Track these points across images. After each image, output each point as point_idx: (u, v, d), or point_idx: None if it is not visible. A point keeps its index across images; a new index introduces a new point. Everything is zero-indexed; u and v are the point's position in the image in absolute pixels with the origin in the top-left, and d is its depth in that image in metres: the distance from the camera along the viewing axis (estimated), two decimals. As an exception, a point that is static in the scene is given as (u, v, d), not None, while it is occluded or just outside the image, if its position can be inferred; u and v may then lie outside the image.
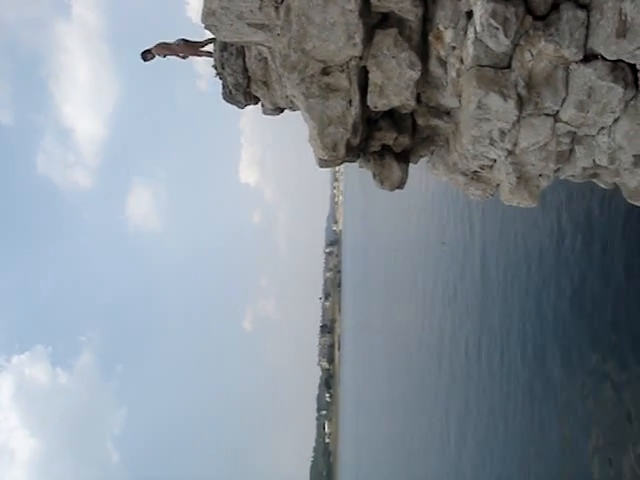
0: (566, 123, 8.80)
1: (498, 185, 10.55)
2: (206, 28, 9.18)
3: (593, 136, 9.01)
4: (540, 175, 9.79)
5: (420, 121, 10.33)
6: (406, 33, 8.88)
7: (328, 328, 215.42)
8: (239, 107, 11.40)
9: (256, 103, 11.24)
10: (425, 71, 9.21)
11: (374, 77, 9.16)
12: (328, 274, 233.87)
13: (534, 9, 7.99)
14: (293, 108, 10.78)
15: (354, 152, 10.10)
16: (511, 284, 22.31)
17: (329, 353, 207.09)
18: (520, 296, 21.08)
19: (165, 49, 11.94)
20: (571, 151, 9.43)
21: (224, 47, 10.44)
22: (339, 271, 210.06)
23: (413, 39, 8.94)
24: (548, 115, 8.78)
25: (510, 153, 9.46)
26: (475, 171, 10.61)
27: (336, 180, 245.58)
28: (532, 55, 8.16)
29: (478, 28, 7.97)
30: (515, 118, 8.67)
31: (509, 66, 8.43)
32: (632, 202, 10.02)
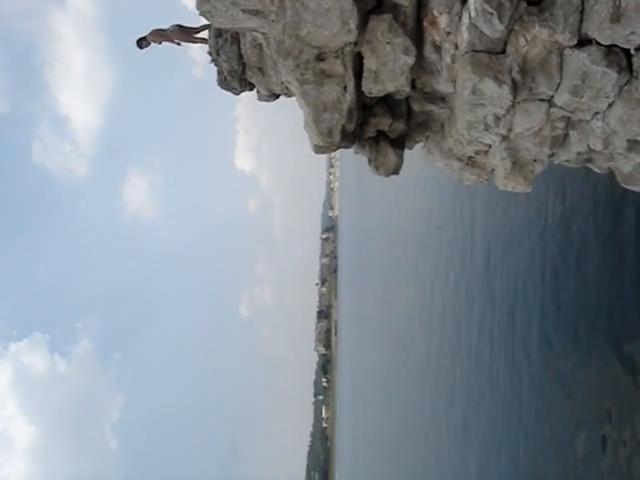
0: (560, 108, 8.84)
1: (493, 170, 10.61)
2: (201, 14, 9.15)
3: (587, 121, 9.05)
4: (535, 160, 9.85)
5: (415, 107, 10.35)
6: (401, 19, 8.88)
7: (325, 314, 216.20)
8: (234, 93, 11.39)
9: (251, 89, 11.24)
10: (420, 57, 9.22)
11: (369, 63, 9.17)
12: (324, 260, 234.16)
13: (528, -6, 8.00)
14: (288, 94, 10.78)
15: (349, 138, 10.12)
16: (512, 268, 22.31)
17: (326, 338, 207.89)
18: (523, 276, 21.03)
19: (160, 36, 11.94)
20: (565, 136, 9.48)
21: (219, 33, 10.42)
22: (335, 257, 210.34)
23: (408, 25, 8.94)
24: (542, 100, 8.81)
25: (505, 138, 9.51)
26: (470, 156, 10.66)
27: (332, 166, 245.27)
28: (526, 40, 8.17)
29: (472, 13, 7.99)
30: (510, 103, 8.70)
31: (504, 51, 8.45)
32: (626, 187, 10.10)
